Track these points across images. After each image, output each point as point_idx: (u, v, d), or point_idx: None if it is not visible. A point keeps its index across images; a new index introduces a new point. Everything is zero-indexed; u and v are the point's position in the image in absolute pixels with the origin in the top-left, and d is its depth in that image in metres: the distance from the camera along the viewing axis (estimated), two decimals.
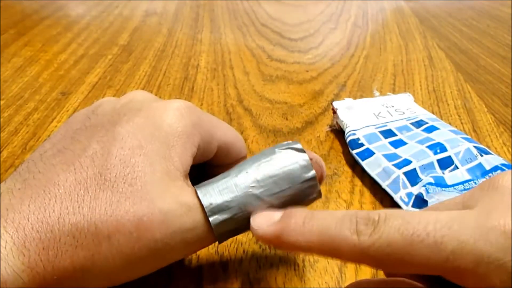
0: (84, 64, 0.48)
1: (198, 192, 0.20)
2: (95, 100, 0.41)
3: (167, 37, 0.57)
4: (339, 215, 0.17)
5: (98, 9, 0.67)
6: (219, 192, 0.20)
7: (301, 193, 0.21)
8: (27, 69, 0.47)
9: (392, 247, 0.16)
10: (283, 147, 0.22)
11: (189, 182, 0.21)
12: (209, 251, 0.25)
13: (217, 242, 0.24)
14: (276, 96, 0.43)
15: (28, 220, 0.17)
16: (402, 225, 0.16)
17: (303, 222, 0.18)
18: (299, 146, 0.21)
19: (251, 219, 0.20)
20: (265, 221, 0.19)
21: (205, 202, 0.20)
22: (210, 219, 0.20)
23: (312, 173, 0.21)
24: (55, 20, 0.62)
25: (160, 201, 0.19)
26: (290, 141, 0.22)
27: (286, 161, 0.21)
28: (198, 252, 0.25)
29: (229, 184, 0.20)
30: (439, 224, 0.15)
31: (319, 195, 0.21)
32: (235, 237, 0.26)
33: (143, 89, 0.44)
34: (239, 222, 0.20)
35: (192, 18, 0.65)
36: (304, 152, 0.21)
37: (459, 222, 0.15)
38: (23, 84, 0.44)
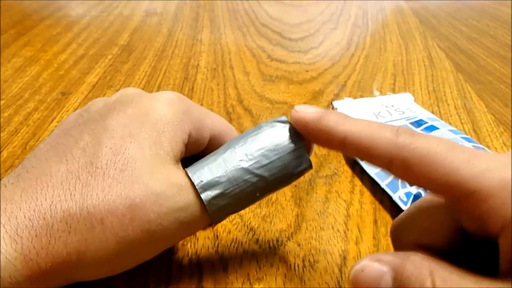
0: (84, 64, 0.48)
1: (188, 171, 0.20)
2: None
3: (167, 37, 0.57)
4: (380, 123, 0.18)
5: (98, 9, 0.67)
6: (209, 169, 0.20)
7: (290, 163, 0.21)
8: (27, 69, 0.47)
9: (428, 150, 0.16)
10: (269, 122, 0.22)
11: (180, 166, 0.21)
12: (209, 251, 0.25)
13: (218, 241, 0.25)
14: (276, 96, 0.43)
15: (20, 209, 0.18)
16: (442, 139, 0.17)
17: (345, 117, 0.19)
18: (284, 118, 0.21)
19: (295, 108, 0.20)
20: (310, 108, 0.20)
21: (196, 180, 0.20)
22: (202, 195, 0.20)
23: (299, 142, 0.21)
24: (55, 20, 0.62)
25: (152, 183, 0.19)
26: (276, 117, 0.22)
27: (273, 133, 0.21)
28: (198, 252, 0.25)
29: (218, 161, 0.21)
30: (476, 150, 0.16)
31: (309, 165, 0.21)
32: (235, 237, 0.26)
33: (143, 89, 0.44)
34: (231, 198, 0.20)
35: (192, 18, 0.65)
36: (290, 123, 0.21)
37: (492, 155, 0.16)
38: (23, 84, 0.44)
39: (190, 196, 0.20)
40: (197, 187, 0.20)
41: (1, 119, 0.38)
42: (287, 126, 0.21)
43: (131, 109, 0.21)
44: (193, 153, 0.23)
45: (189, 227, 0.21)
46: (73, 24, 0.61)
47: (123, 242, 0.19)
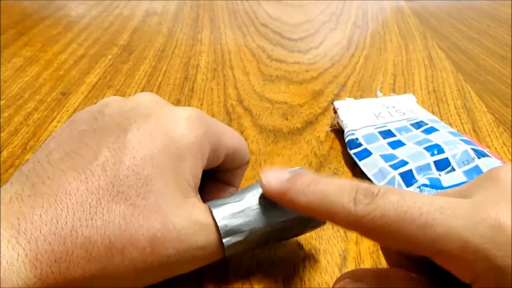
0: (84, 64, 0.48)
1: (214, 212, 0.21)
2: (95, 100, 0.41)
3: (167, 37, 0.57)
4: (342, 182, 0.18)
5: (98, 9, 0.67)
6: (234, 214, 0.21)
7: (306, 220, 0.22)
8: (27, 69, 0.47)
9: (384, 220, 0.16)
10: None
11: (199, 197, 0.21)
12: None
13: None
14: (276, 96, 0.43)
15: (40, 232, 0.17)
16: (399, 201, 0.16)
17: (308, 184, 0.19)
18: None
19: (262, 175, 0.21)
20: (275, 178, 0.20)
21: (221, 224, 0.20)
22: (224, 240, 0.20)
23: None
24: (55, 20, 0.62)
25: (174, 217, 0.19)
26: (297, 167, 0.24)
27: None
28: None
29: (244, 207, 0.21)
30: (433, 207, 0.16)
31: (324, 222, 0.23)
32: None
33: (143, 89, 0.44)
34: (248, 244, 0.21)
35: (192, 18, 0.65)
36: None
37: (453, 208, 0.16)
38: (23, 84, 0.44)
39: (211, 236, 0.20)
40: (221, 231, 0.20)
41: (1, 119, 0.38)
42: None
43: (152, 126, 0.20)
44: (205, 169, 0.23)
45: (203, 262, 0.21)
46: (73, 24, 0.61)
47: (140, 272, 0.19)
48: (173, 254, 0.19)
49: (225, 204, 0.21)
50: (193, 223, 0.20)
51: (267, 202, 0.21)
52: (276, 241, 0.23)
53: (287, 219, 0.21)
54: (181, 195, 0.20)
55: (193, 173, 0.21)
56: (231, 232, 0.21)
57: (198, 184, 0.21)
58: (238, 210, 0.21)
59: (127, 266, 0.18)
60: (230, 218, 0.21)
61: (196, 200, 0.21)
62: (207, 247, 0.20)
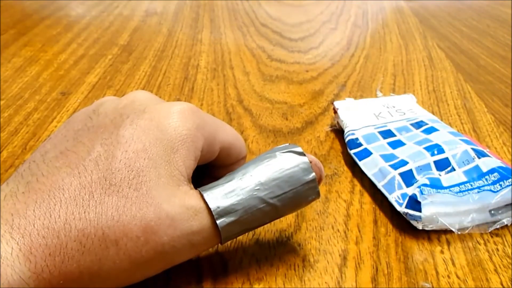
0: (84, 64, 0.48)
1: (205, 195, 0.21)
2: (95, 100, 0.41)
3: (167, 37, 0.57)
4: None
5: (98, 9, 0.67)
6: (225, 195, 0.21)
7: (301, 194, 0.22)
8: (27, 69, 0.47)
9: None
10: (284, 150, 0.22)
11: (192, 186, 0.21)
12: (208, 251, 0.25)
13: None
14: (276, 96, 0.43)
15: (34, 226, 0.17)
16: None
17: None
18: (299, 149, 0.22)
19: None
20: None
21: (212, 206, 0.20)
22: (218, 222, 0.20)
23: (312, 175, 0.22)
24: (55, 20, 0.62)
25: (167, 206, 0.19)
26: (288, 144, 0.23)
27: (288, 164, 0.22)
28: None
29: (234, 187, 0.21)
30: None
31: (317, 195, 0.22)
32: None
33: (143, 89, 0.44)
34: (244, 224, 0.21)
35: (192, 18, 0.65)
36: (304, 155, 0.22)
37: None
38: (23, 84, 0.44)
39: (204, 220, 0.20)
40: (213, 213, 0.20)
41: (1, 119, 0.38)
42: (301, 158, 0.22)
43: (144, 120, 0.21)
44: (201, 164, 0.23)
45: (199, 248, 0.21)
46: (73, 24, 0.61)
47: (136, 263, 0.19)
48: (167, 241, 0.19)
49: (215, 186, 0.21)
50: (185, 208, 0.20)
51: (258, 180, 0.21)
52: (273, 219, 0.22)
53: (280, 194, 0.21)
54: (173, 185, 0.20)
55: (186, 163, 0.21)
56: (224, 212, 0.20)
57: (191, 174, 0.21)
58: (229, 190, 0.21)
59: (122, 257, 0.18)
60: (221, 199, 0.21)
61: (188, 188, 0.21)
62: (202, 231, 0.20)
